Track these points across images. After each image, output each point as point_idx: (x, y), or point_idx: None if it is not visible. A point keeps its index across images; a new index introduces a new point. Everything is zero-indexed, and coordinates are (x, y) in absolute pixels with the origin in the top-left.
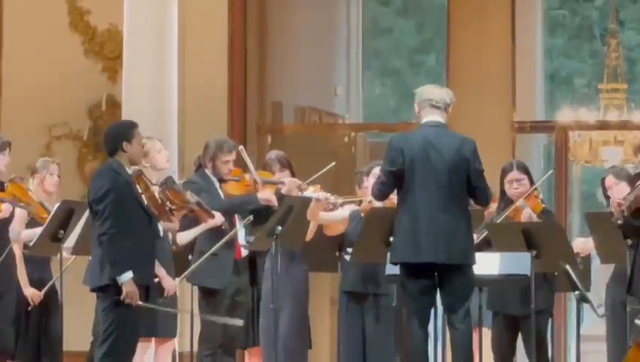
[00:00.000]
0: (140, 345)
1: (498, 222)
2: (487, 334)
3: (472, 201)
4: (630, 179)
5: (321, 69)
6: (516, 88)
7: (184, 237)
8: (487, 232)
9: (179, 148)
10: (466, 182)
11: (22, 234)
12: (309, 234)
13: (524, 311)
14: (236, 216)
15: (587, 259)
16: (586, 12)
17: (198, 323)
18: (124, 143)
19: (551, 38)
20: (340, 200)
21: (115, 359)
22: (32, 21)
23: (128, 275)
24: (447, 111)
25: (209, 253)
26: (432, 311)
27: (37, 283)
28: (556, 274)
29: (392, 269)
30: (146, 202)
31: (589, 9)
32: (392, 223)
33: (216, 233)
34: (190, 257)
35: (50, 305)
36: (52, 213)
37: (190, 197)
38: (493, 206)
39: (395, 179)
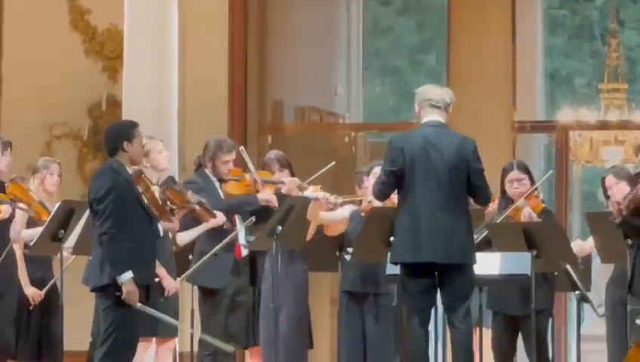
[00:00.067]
0: (141, 345)
1: (498, 221)
2: (487, 334)
3: (471, 201)
4: (630, 178)
5: (322, 69)
6: (516, 88)
7: (185, 238)
8: (487, 232)
9: (179, 147)
10: (466, 182)
11: (22, 234)
12: (309, 234)
13: (524, 311)
14: (236, 216)
15: (588, 259)
16: (586, 12)
17: (199, 323)
18: (125, 143)
19: (551, 37)
20: (340, 200)
21: (115, 359)
22: (33, 20)
23: (128, 275)
24: (447, 111)
25: (210, 253)
26: (433, 310)
27: (38, 283)
28: (556, 273)
29: (393, 269)
30: (146, 202)
31: (589, 9)
32: (393, 223)
33: (216, 233)
34: (190, 257)
35: (52, 304)
36: (52, 213)
37: (191, 196)
38: (494, 205)
39: (395, 179)
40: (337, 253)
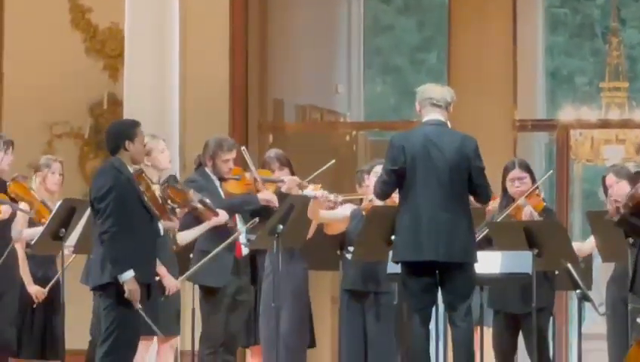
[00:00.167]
0: (142, 344)
1: (499, 220)
2: (488, 332)
3: (471, 199)
4: (631, 177)
5: (322, 68)
6: (517, 86)
7: (186, 236)
8: (487, 230)
9: (180, 146)
10: (467, 181)
11: (24, 233)
12: (309, 233)
13: (524, 310)
14: (237, 215)
15: (589, 258)
16: (587, 10)
17: (199, 322)
18: (127, 142)
19: (552, 36)
20: (340, 199)
21: (116, 358)
22: (34, 19)
23: (130, 274)
24: (448, 109)
25: (213, 253)
26: (434, 309)
27: (42, 281)
28: (557, 272)
29: (394, 268)
30: (146, 201)
31: (590, 7)
32: (394, 221)
33: (217, 232)
34: (191, 256)
35: (55, 302)
36: (53, 212)
37: (193, 195)
38: (495, 204)
39: (397, 178)
40: (338, 252)
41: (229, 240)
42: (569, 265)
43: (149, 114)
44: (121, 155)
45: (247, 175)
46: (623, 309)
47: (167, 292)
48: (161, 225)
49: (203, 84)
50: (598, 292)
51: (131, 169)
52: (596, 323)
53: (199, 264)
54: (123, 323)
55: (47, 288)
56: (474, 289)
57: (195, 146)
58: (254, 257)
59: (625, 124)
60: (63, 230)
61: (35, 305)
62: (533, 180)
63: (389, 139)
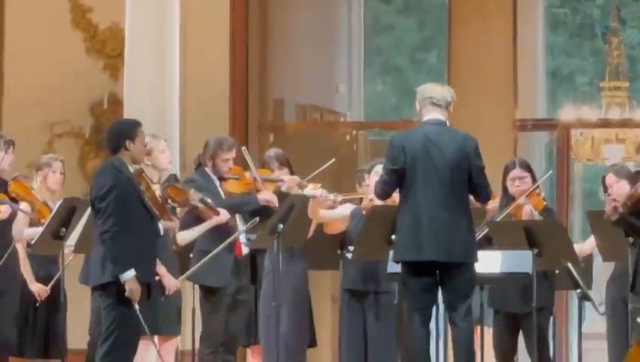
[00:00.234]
0: (142, 343)
1: (499, 220)
2: (488, 332)
3: (472, 199)
4: (631, 177)
5: (323, 67)
6: (518, 86)
7: (187, 236)
8: (487, 230)
9: (180, 146)
10: (467, 180)
11: (25, 233)
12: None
13: (524, 309)
14: (237, 215)
15: (589, 257)
16: (587, 10)
17: (200, 322)
18: (127, 142)
19: (552, 36)
20: (340, 198)
21: (117, 357)
22: (34, 19)
23: (131, 273)
24: (448, 109)
25: (213, 253)
26: (434, 308)
27: (44, 280)
28: (557, 272)
29: (394, 267)
30: (147, 200)
31: (590, 7)
32: (394, 221)
33: (218, 231)
34: (191, 256)
35: (58, 300)
36: (54, 211)
37: (194, 194)
38: (495, 203)
39: (397, 178)
40: (338, 251)
41: (229, 240)
42: (569, 265)
43: (149, 113)
44: (122, 155)
45: (247, 174)
46: (622, 309)
47: (167, 292)
48: (161, 225)
49: (203, 84)
50: (598, 291)
51: (132, 169)
52: (596, 322)
53: (199, 264)
54: (123, 322)
55: (50, 286)
56: (474, 288)
57: (195, 146)
58: (254, 257)
59: (625, 124)
60: (64, 229)
61: (37, 304)
62: (534, 180)
63: (389, 138)
